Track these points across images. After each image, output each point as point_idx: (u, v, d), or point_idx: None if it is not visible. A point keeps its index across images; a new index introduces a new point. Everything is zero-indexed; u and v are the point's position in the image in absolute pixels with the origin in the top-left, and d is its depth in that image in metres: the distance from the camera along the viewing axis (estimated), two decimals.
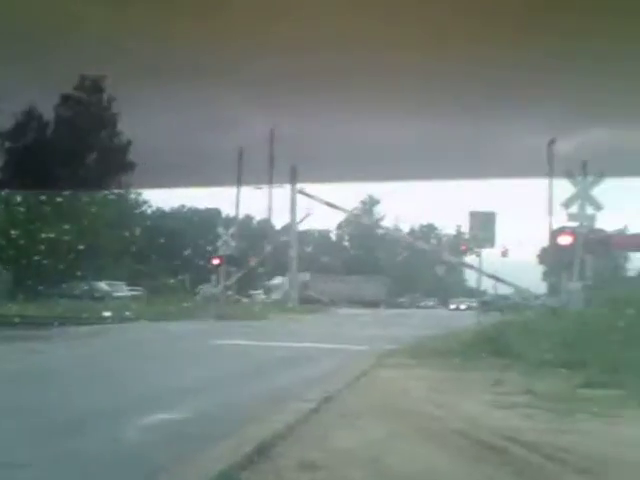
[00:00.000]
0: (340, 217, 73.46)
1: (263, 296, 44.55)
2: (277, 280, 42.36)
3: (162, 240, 38.36)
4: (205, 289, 32.99)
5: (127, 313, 28.33)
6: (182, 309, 30.21)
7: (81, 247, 32.33)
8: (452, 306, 53.19)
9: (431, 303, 59.16)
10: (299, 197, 35.46)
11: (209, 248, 36.08)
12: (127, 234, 39.52)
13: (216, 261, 32.61)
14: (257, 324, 27.64)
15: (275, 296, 40.96)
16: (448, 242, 73.99)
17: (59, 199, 32.30)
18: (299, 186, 26.95)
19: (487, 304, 31.63)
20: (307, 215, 40.09)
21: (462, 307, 46.79)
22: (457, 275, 70.61)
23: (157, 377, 11.68)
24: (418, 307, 55.44)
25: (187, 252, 36.47)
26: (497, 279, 24.16)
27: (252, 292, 42.38)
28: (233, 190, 39.73)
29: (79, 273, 34.98)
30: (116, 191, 40.23)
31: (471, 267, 24.26)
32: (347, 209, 28.67)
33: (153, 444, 7.02)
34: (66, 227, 32.35)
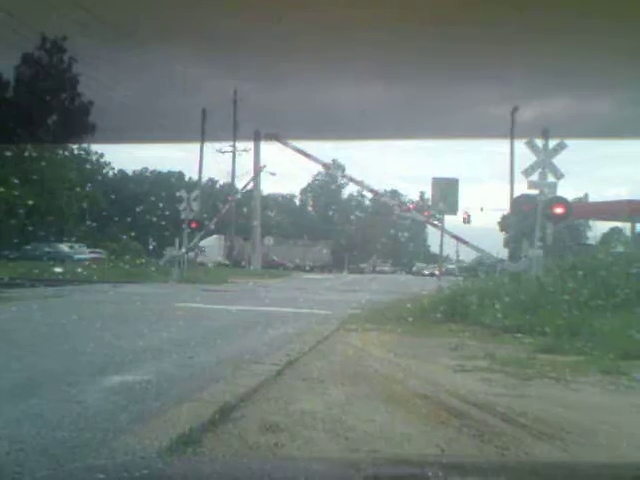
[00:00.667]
0: (305, 182, 73.60)
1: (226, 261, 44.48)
2: (209, 240, 41.19)
3: (124, 202, 38.16)
4: (168, 252, 32.83)
5: (89, 275, 28.13)
6: (144, 272, 30.11)
7: (42, 209, 32.05)
8: (415, 270, 53.71)
9: (392, 269, 59.69)
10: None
11: (171, 211, 35.91)
12: (88, 196, 39.19)
13: (194, 225, 32.35)
14: (219, 288, 27.65)
15: (205, 258, 39.72)
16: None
17: (19, 160, 31.91)
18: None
19: (467, 270, 31.97)
20: (258, 173, 39.66)
21: (425, 272, 47.25)
22: (420, 241, 71.21)
23: (117, 339, 11.62)
24: (381, 272, 55.89)
25: (150, 215, 36.22)
26: (464, 242, 24.30)
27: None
28: (196, 155, 39.57)
29: (41, 234, 34.69)
30: (76, 151, 39.82)
31: (440, 227, 24.30)
32: (322, 160, 27.98)
33: (112, 406, 7.00)
34: (26, 188, 32.01)
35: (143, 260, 32.12)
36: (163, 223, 30.71)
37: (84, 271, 29.32)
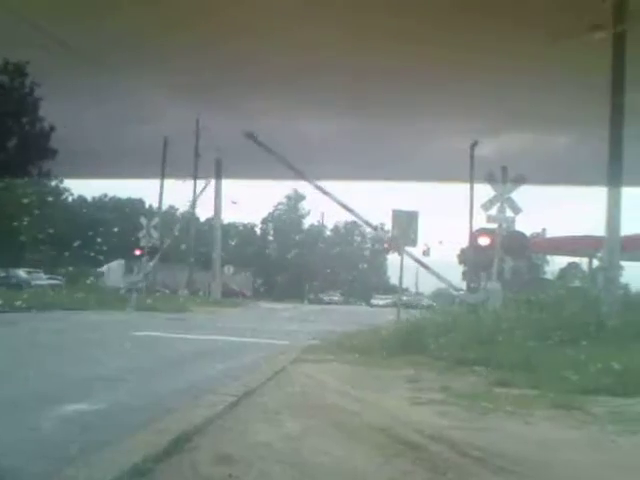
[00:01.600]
0: (265, 212, 73.51)
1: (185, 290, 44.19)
2: (112, 265, 40.46)
3: (83, 229, 37.78)
4: (126, 279, 32.61)
5: (45, 302, 27.77)
6: (102, 299, 29.82)
7: None
8: (374, 302, 53.82)
9: (352, 299, 59.80)
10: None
11: (132, 238, 35.65)
12: (47, 222, 38.75)
13: (138, 252, 32.32)
14: (178, 316, 27.48)
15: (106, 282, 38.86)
16: (372, 240, 74.75)
17: None
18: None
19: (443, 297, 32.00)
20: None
21: (381, 303, 47.42)
22: (380, 273, 71.33)
23: (72, 368, 11.49)
24: (340, 303, 55.95)
25: (109, 242, 35.93)
26: (426, 267, 24.36)
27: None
28: (157, 181, 39.49)
29: None
30: (37, 178, 39.44)
31: (417, 261, 24.32)
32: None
33: (64, 435, 6.90)
34: None
35: (102, 287, 31.83)
36: (124, 253, 30.55)
37: (41, 298, 28.99)
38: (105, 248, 33.86)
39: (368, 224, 23.02)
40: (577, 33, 11.16)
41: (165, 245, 35.47)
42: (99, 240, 34.75)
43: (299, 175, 20.16)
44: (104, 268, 38.10)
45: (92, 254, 32.64)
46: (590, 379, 10.80)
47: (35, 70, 31.95)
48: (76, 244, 31.74)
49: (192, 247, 46.06)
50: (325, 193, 20.25)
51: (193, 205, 47.09)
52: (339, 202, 20.85)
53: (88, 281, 31.53)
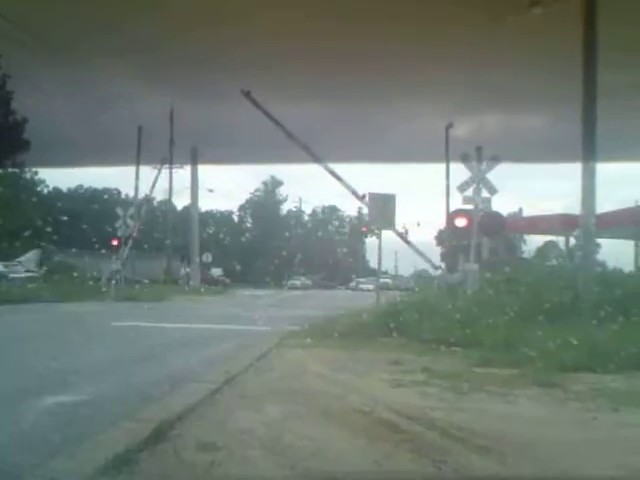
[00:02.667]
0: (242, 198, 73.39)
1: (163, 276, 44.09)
2: (28, 254, 39.61)
3: (60, 220, 37.53)
4: (105, 270, 32.46)
5: (23, 295, 27.62)
6: (81, 290, 29.67)
7: None
8: (353, 285, 53.97)
9: (331, 283, 59.94)
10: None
11: (109, 229, 35.45)
12: (22, 214, 38.45)
13: (115, 242, 32.21)
14: (158, 305, 27.42)
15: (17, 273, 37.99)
16: (350, 223, 74.89)
17: None
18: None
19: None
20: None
21: (363, 287, 47.50)
22: (359, 256, 71.52)
23: (51, 359, 11.39)
24: (319, 287, 56.03)
25: (86, 232, 35.72)
26: (407, 241, 24.47)
27: None
28: (133, 170, 39.28)
29: None
30: (10, 170, 39.08)
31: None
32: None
33: (45, 427, 6.87)
34: None
35: (80, 278, 31.63)
36: (101, 243, 30.37)
37: (20, 291, 28.85)
38: (82, 239, 33.73)
39: (355, 194, 22.92)
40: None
41: (140, 234, 35.36)
42: (75, 232, 34.62)
43: (301, 146, 20.20)
44: (22, 258, 37.67)
45: (69, 246, 32.54)
46: (569, 357, 10.89)
47: (5, 62, 31.58)
48: (54, 237, 31.57)
49: (170, 236, 45.94)
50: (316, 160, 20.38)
51: (170, 193, 46.98)
52: (330, 170, 21.08)
53: (75, 274, 31.28)
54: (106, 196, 59.37)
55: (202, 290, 39.57)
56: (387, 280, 41.45)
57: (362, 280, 53.54)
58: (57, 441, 6.14)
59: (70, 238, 35.50)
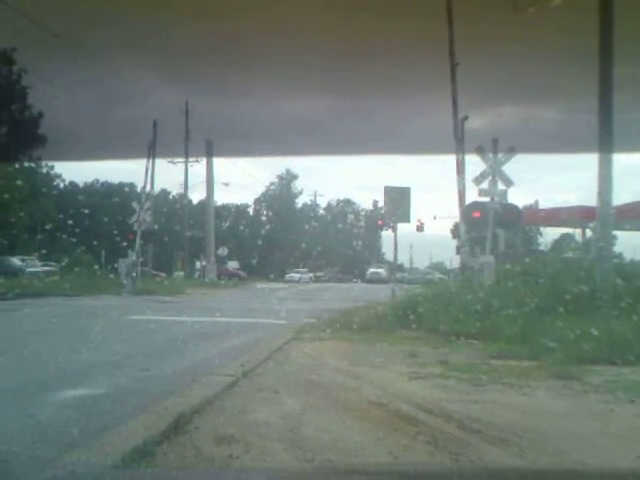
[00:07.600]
0: (258, 192, 73.43)
1: (181, 272, 44.24)
2: None
3: (76, 214, 37.70)
4: (122, 264, 32.60)
5: (41, 288, 27.78)
6: (98, 284, 29.81)
7: None
8: (367, 276, 53.90)
9: (347, 276, 59.92)
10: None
11: (128, 222, 35.65)
12: (40, 208, 38.67)
13: (131, 236, 32.35)
14: (174, 299, 27.50)
15: None
16: (365, 216, 74.89)
17: None
18: None
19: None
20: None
21: (383, 275, 47.50)
22: (375, 250, 71.50)
23: (70, 352, 11.48)
24: (336, 280, 56.04)
25: (103, 226, 35.90)
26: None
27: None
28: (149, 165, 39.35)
29: None
30: (27, 164, 39.31)
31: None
32: None
33: (65, 420, 6.91)
34: None
35: (97, 272, 31.80)
36: (115, 234, 30.47)
37: (37, 284, 28.99)
38: (102, 232, 33.89)
39: None
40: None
41: (159, 228, 35.49)
42: (96, 225, 34.79)
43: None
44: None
45: (90, 239, 32.68)
46: (588, 349, 10.85)
47: (22, 57, 31.75)
48: (68, 231, 31.74)
49: (186, 230, 46.04)
50: None
51: (185, 187, 47.03)
52: None
53: (96, 266, 31.47)
54: (127, 189, 59.57)
55: (221, 283, 39.67)
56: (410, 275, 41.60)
57: (380, 269, 53.21)
58: (76, 433, 6.19)
59: (90, 231, 35.69)
